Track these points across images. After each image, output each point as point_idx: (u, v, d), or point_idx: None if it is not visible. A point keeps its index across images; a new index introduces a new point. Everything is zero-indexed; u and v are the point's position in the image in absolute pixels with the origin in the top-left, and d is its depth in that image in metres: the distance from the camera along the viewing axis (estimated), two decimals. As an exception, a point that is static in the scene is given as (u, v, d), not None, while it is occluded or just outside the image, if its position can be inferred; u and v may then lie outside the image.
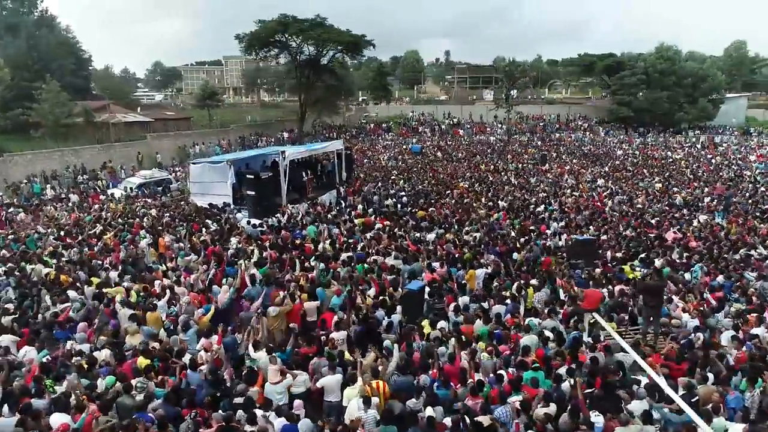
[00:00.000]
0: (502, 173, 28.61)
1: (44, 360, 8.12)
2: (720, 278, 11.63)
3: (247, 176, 17.88)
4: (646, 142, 42.33)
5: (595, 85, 73.16)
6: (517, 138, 45.03)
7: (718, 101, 48.04)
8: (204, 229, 15.57)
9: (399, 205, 19.79)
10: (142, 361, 7.96)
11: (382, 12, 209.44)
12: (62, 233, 15.46)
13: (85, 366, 7.73)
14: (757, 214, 18.84)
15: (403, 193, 21.64)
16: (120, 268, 12.32)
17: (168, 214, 17.69)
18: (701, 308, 10.07)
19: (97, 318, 9.53)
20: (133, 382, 7.33)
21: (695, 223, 17.41)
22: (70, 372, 7.67)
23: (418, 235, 15.26)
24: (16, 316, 9.78)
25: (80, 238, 14.88)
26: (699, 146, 40.11)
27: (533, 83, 63.89)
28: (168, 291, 10.51)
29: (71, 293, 10.66)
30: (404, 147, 40.21)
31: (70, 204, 20.73)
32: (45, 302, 10.44)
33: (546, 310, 9.91)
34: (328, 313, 10.04)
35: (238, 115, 52.72)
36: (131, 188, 23.07)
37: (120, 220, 16.91)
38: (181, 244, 14.26)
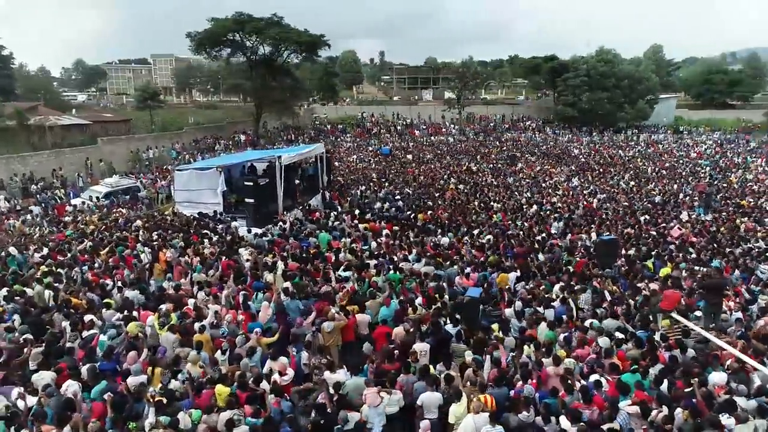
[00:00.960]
0: (479, 174, 28.96)
1: (101, 396, 7.27)
2: (737, 273, 12.38)
3: (245, 183, 17.02)
4: (594, 141, 44.52)
5: (529, 86, 76.49)
6: (474, 138, 45.99)
7: (653, 102, 51.43)
8: (206, 241, 14.63)
9: (395, 209, 19.56)
10: (222, 390, 7.32)
11: (304, 13, 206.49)
12: (47, 250, 13.93)
13: (164, 400, 6.97)
14: (731, 209, 20.15)
15: (398, 197, 21.42)
16: (136, 287, 11.29)
17: (149, 225, 16.46)
18: (738, 302, 10.65)
19: (145, 347, 8.61)
20: (226, 415, 6.71)
21: (683, 219, 18.35)
22: (143, 408, 6.93)
23: (435, 239, 15.14)
24: (43, 347, 8.69)
25: (69, 255, 13.48)
26: (643, 144, 42.66)
27: (482, 85, 65.45)
28: (209, 310, 9.78)
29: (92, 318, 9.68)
30: (369, 149, 39.89)
31: (35, 217, 18.73)
32: (62, 329, 9.42)
33: (599, 311, 10.12)
34: (383, 327, 9.69)
35: (179, 116, 49.55)
36: (97, 198, 21.23)
37: (107, 233, 15.50)
38: (187, 258, 13.30)
